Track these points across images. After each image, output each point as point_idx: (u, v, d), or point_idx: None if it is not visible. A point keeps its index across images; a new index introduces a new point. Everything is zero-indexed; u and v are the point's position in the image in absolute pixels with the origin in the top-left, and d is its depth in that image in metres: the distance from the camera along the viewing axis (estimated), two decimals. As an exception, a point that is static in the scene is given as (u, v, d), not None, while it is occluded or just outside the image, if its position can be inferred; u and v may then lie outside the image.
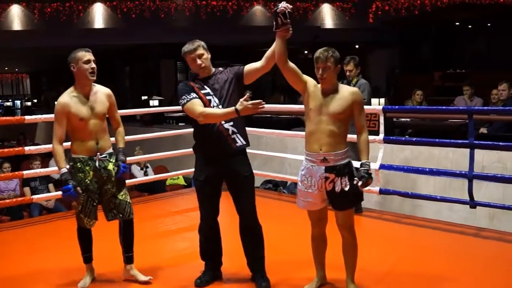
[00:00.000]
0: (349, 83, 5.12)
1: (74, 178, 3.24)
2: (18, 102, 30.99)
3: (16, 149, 5.36)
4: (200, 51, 3.24)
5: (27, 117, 5.37)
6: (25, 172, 5.51)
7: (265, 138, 8.51)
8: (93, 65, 3.32)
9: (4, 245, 4.56)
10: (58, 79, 27.87)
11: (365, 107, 6.13)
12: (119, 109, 3.59)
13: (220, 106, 3.21)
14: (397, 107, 6.01)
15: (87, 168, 3.28)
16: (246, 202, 3.34)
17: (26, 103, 28.69)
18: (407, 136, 7.42)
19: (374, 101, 8.11)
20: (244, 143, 3.29)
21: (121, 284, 3.49)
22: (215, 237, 3.50)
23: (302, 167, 3.17)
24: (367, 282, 3.47)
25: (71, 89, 3.35)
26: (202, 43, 3.30)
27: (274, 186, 7.40)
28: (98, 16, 14.82)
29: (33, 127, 18.21)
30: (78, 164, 3.28)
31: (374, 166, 4.98)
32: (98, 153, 3.31)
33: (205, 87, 3.27)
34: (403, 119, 7.89)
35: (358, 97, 3.12)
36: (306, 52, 16.37)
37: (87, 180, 3.28)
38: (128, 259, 3.47)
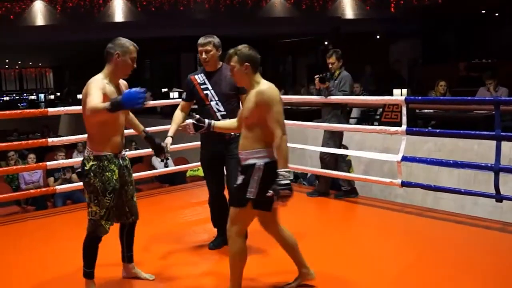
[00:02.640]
0: (331, 76, 5.33)
1: (101, 178, 3.01)
2: (41, 96, 31.43)
3: (40, 140, 5.43)
4: (209, 47, 3.64)
5: (50, 109, 5.43)
6: (48, 163, 5.58)
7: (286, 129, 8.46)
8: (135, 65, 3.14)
9: (29, 234, 4.66)
10: (81, 73, 28.23)
11: (387, 98, 6.11)
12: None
13: (219, 103, 3.67)
14: (420, 97, 5.92)
15: (113, 166, 3.05)
16: (229, 176, 3.73)
17: (50, 96, 29.09)
18: (430, 128, 7.31)
19: (396, 91, 8.03)
20: (237, 135, 3.57)
21: (133, 282, 3.40)
22: (221, 207, 3.79)
23: None
24: (389, 275, 3.43)
25: (102, 75, 3.04)
26: (215, 40, 3.66)
27: (294, 177, 7.35)
28: (118, 10, 14.91)
29: (57, 120, 18.47)
30: (105, 162, 3.02)
31: (397, 158, 4.92)
32: (123, 150, 3.14)
33: (206, 81, 3.70)
34: (426, 110, 7.77)
35: (261, 98, 2.82)
36: (326, 43, 16.22)
37: (114, 180, 3.04)
38: (130, 258, 3.37)
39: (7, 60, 27.96)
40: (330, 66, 5.36)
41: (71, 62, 27.48)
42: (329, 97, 5.25)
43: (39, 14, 14.61)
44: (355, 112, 9.42)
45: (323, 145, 5.48)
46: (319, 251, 3.92)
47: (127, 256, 3.36)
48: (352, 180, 5.45)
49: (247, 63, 2.89)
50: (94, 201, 3.03)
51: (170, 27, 14.91)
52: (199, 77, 3.73)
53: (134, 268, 3.39)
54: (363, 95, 9.35)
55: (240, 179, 2.93)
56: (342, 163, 5.53)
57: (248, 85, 2.93)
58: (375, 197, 6.13)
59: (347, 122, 5.92)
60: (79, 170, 3.14)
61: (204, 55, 3.64)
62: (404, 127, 4.91)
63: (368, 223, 4.81)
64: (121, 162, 3.11)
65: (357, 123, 8.72)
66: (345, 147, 7.00)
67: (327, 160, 5.45)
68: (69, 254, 3.92)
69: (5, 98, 31.75)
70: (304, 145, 6.22)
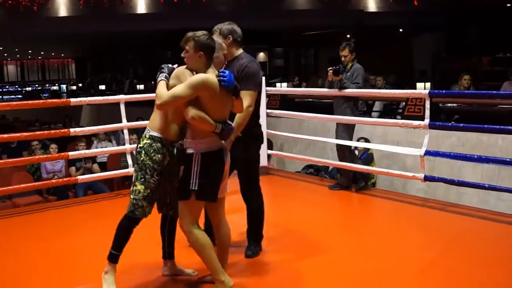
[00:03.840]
0: (344, 68, 5.37)
1: (151, 157, 2.94)
2: (64, 86, 31.78)
3: (62, 131, 5.48)
4: (214, 36, 3.33)
5: (72, 99, 5.48)
6: (70, 153, 5.64)
7: (307, 122, 8.42)
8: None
9: (50, 224, 4.70)
10: (102, 63, 28.48)
11: (411, 91, 6.02)
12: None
13: None
14: (444, 91, 5.82)
15: (165, 150, 2.98)
16: (241, 183, 3.66)
17: (72, 87, 29.42)
18: (453, 122, 7.20)
19: (420, 85, 7.92)
20: (240, 135, 3.38)
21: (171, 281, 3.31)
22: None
23: None
24: (411, 271, 3.39)
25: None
26: (222, 27, 3.50)
27: (316, 171, 7.33)
28: (141, 1, 14.95)
29: (78, 110, 18.66)
30: (158, 143, 2.96)
31: (420, 152, 4.85)
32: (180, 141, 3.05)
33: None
34: (449, 104, 7.65)
35: None
36: (348, 36, 16.07)
37: (164, 164, 2.98)
38: (171, 254, 3.27)
39: (30, 51, 28.35)
40: (343, 58, 5.40)
41: (93, 53, 27.75)
42: (342, 90, 5.28)
43: (62, 5, 14.73)
44: (377, 106, 9.34)
45: (336, 138, 5.50)
46: (340, 245, 3.89)
47: (168, 253, 3.26)
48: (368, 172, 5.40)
49: (201, 52, 2.87)
50: (141, 179, 2.96)
51: (192, 19, 14.89)
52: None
53: (176, 265, 3.29)
54: (386, 89, 9.25)
55: (181, 171, 2.92)
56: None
57: (196, 71, 2.90)
58: (397, 191, 6.07)
59: (359, 115, 5.91)
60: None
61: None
62: (427, 121, 4.83)
63: (390, 217, 4.76)
64: (175, 151, 3.02)
65: (379, 117, 8.64)
66: (367, 141, 6.94)
67: (343, 152, 5.46)
68: (89, 244, 3.97)
69: (27, 89, 32.18)
70: (325, 138, 6.15)
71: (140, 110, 7.61)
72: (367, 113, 9.21)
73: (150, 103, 3.40)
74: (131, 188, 3.02)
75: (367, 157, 7.08)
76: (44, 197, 7.06)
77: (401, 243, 3.96)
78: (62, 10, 14.80)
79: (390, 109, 9.15)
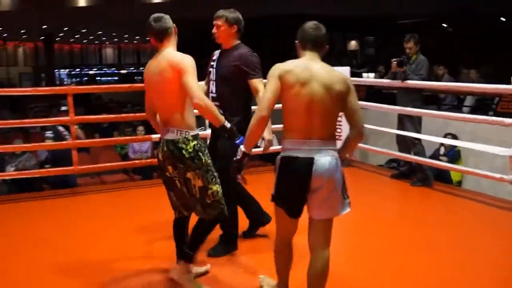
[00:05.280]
0: (408, 60, 5.40)
1: (207, 155, 2.86)
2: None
3: (144, 114, 5.65)
4: (219, 21, 3.32)
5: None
6: (153, 135, 5.83)
7: (392, 116, 8.12)
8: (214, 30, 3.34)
9: (132, 202, 4.99)
10: (190, 48, 29.18)
11: (504, 86, 5.60)
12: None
13: (214, 84, 3.37)
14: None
15: None
16: None
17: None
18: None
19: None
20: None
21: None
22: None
23: None
24: (484, 280, 3.17)
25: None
26: (230, 15, 3.35)
27: (399, 165, 7.06)
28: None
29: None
30: (201, 140, 2.89)
31: (509, 152, 4.52)
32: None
33: (216, 58, 3.43)
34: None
35: None
36: (445, 25, 15.22)
37: None
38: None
39: (126, 35, 29.72)
40: (407, 50, 5.43)
41: (183, 38, 28.50)
42: (405, 81, 5.32)
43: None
44: (468, 100, 8.83)
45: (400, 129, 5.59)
46: (409, 244, 3.75)
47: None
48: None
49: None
50: (212, 179, 2.84)
51: (284, 4, 14.72)
52: (216, 53, 3.48)
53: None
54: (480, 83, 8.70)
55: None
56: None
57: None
58: (484, 192, 5.71)
59: (447, 109, 5.73)
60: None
61: (214, 29, 3.37)
62: (520, 117, 4.49)
63: (472, 219, 4.48)
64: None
65: (470, 112, 8.15)
66: (455, 137, 6.59)
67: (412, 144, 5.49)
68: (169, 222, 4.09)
69: (123, 71, 33.79)
70: (412, 134, 5.91)
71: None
72: (457, 108, 8.74)
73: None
74: (206, 193, 2.82)
75: (453, 154, 6.74)
76: (129, 176, 7.38)
77: (481, 248, 3.73)
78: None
79: (484, 104, 8.60)
